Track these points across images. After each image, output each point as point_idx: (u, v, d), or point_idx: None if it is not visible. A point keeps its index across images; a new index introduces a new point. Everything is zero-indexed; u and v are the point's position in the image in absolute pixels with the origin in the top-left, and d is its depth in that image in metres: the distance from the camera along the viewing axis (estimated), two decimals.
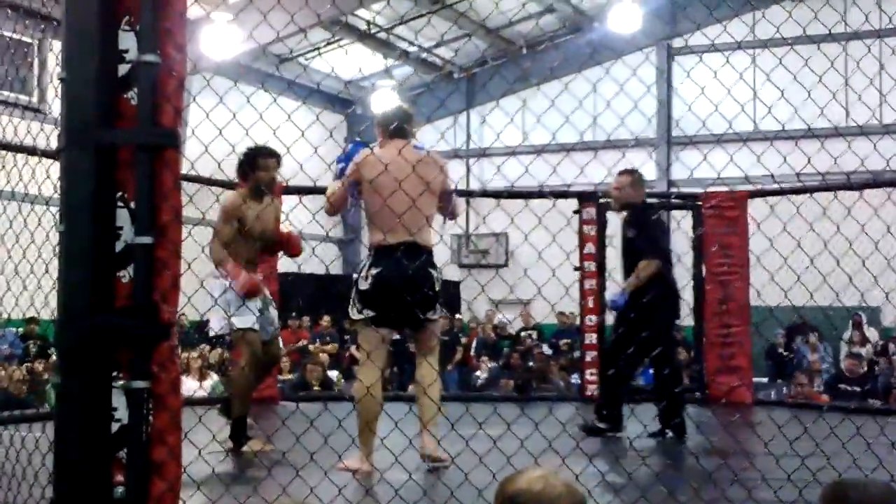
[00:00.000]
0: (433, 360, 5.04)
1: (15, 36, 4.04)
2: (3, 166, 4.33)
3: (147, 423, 2.62)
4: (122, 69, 2.65)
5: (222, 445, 5.06)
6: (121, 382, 2.61)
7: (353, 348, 5.08)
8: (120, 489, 2.59)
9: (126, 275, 2.62)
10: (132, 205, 2.62)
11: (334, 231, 17.78)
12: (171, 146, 2.68)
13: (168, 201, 2.66)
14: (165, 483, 2.64)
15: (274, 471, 3.44)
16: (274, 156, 5.59)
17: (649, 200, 7.51)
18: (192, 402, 8.05)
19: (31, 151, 4.15)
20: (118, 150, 2.64)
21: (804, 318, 13.02)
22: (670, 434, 5.84)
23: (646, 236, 6.22)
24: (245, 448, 5.34)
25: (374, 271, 4.78)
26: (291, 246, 5.88)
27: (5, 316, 5.08)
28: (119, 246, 2.62)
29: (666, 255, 6.38)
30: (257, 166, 5.54)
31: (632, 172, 6.58)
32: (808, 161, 4.52)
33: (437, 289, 4.95)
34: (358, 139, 5.33)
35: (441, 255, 5.56)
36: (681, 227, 9.36)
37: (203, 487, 3.01)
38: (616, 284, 6.51)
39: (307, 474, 3.19)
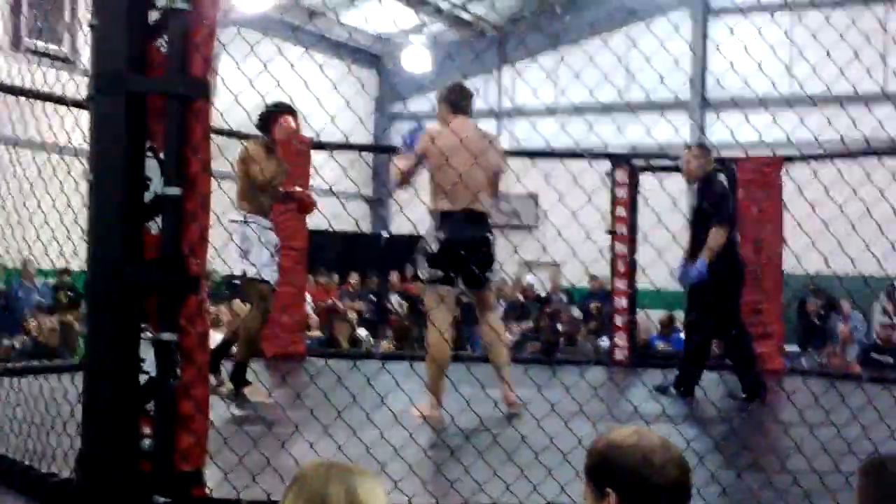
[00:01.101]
0: (495, 316, 5.55)
1: None
2: (34, 116, 4.30)
3: (175, 376, 2.60)
4: (153, 16, 2.61)
5: (223, 391, 5.24)
6: (149, 335, 2.59)
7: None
8: (147, 441, 2.59)
9: (154, 226, 2.59)
10: (161, 155, 2.59)
11: (364, 189, 17.68)
12: (201, 96, 2.64)
13: (197, 153, 2.63)
14: (192, 436, 2.63)
15: (301, 428, 3.41)
16: (291, 113, 5.63)
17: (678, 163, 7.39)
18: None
19: (60, 100, 4.12)
20: (148, 99, 2.60)
21: (823, 288, 12.86)
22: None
23: (714, 204, 6.34)
24: (246, 392, 5.43)
25: (440, 235, 5.15)
26: (303, 204, 6.05)
27: (37, 266, 5.09)
28: (148, 197, 2.59)
29: (733, 222, 6.52)
30: (274, 123, 5.61)
31: (700, 146, 6.80)
32: (850, 125, 4.41)
33: (494, 251, 5.37)
34: (417, 125, 5.69)
35: None
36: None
37: (229, 442, 3.00)
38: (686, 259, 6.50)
39: (334, 432, 3.16)
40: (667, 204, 4.30)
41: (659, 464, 1.77)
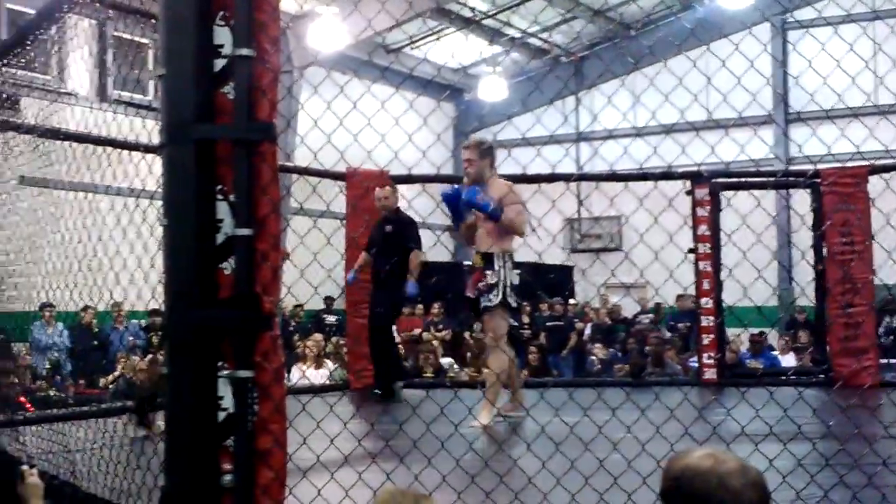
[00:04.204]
0: None
1: (129, 37, 4.16)
2: (119, 162, 4.46)
3: (252, 412, 2.66)
4: (219, 64, 2.68)
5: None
6: (226, 372, 2.66)
7: (488, 331, 6.22)
8: (228, 477, 2.64)
9: (228, 267, 2.66)
10: (231, 197, 2.66)
11: (437, 218, 17.78)
12: (267, 139, 2.71)
13: (266, 194, 2.69)
14: (272, 471, 2.68)
15: (378, 458, 3.46)
16: None
17: (762, 179, 7.28)
18: (310, 390, 8.21)
19: (135, 147, 4.27)
20: (216, 144, 2.68)
21: None
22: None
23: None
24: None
25: (517, 271, 6.25)
26: None
27: (130, 308, 5.25)
28: (220, 238, 2.66)
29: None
30: None
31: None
32: None
33: None
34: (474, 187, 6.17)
35: (545, 239, 5.82)
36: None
37: (309, 475, 3.05)
38: None
39: (410, 461, 3.20)
40: (756, 220, 4.27)
41: (736, 489, 1.72)
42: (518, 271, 6.28)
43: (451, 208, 6.14)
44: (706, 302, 9.01)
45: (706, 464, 1.76)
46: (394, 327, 8.59)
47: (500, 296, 6.11)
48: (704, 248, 8.89)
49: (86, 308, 10.12)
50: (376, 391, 7.93)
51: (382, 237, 7.86)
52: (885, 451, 3.88)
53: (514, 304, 6.26)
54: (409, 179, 8.22)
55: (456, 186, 6.30)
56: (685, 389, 6.70)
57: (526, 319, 15.11)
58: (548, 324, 14.79)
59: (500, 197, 6.04)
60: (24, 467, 2.91)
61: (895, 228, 4.51)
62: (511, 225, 6.11)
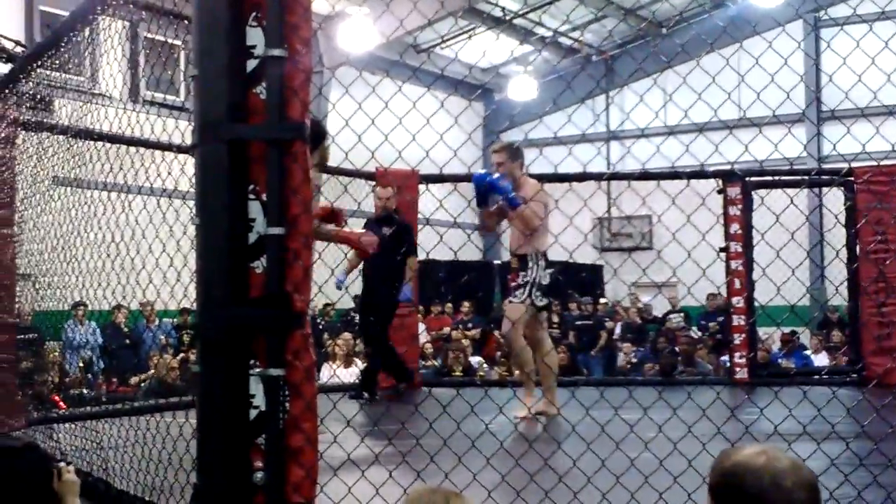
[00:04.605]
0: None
1: (162, 39, 4.20)
2: (152, 162, 4.50)
3: (284, 410, 2.67)
4: (251, 64, 2.70)
5: None
6: (257, 370, 2.67)
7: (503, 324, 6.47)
8: (259, 474, 2.66)
9: (259, 265, 2.68)
10: (263, 197, 2.68)
11: (467, 217, 17.81)
12: (299, 139, 2.72)
13: (298, 193, 2.70)
14: (302, 469, 2.69)
15: (409, 457, 3.47)
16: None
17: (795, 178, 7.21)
18: (339, 388, 8.24)
19: (167, 147, 4.30)
20: (249, 144, 2.70)
21: None
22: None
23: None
24: None
25: (550, 270, 6.40)
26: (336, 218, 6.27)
27: (163, 307, 5.29)
28: (252, 237, 2.68)
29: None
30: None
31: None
32: None
33: None
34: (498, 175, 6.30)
35: (575, 238, 5.79)
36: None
37: (339, 473, 3.07)
38: None
39: (440, 459, 3.21)
40: (789, 219, 4.24)
41: (788, 488, 1.68)
42: (551, 270, 6.42)
43: (479, 191, 6.22)
44: (738, 301, 8.96)
45: (759, 461, 1.72)
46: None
47: (526, 294, 6.29)
48: (736, 247, 8.84)
49: (118, 307, 10.22)
50: (352, 393, 7.85)
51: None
52: None
53: (539, 304, 6.40)
54: (439, 179, 8.22)
55: (487, 171, 6.40)
56: (717, 388, 6.67)
57: (556, 319, 15.11)
58: (577, 323, 14.76)
59: (531, 196, 6.16)
60: (62, 464, 2.94)
61: None
62: (523, 219, 6.24)
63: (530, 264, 6.34)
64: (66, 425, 5.67)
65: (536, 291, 6.33)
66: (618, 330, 14.69)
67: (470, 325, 14.28)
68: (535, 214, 6.20)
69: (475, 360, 12.20)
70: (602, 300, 15.97)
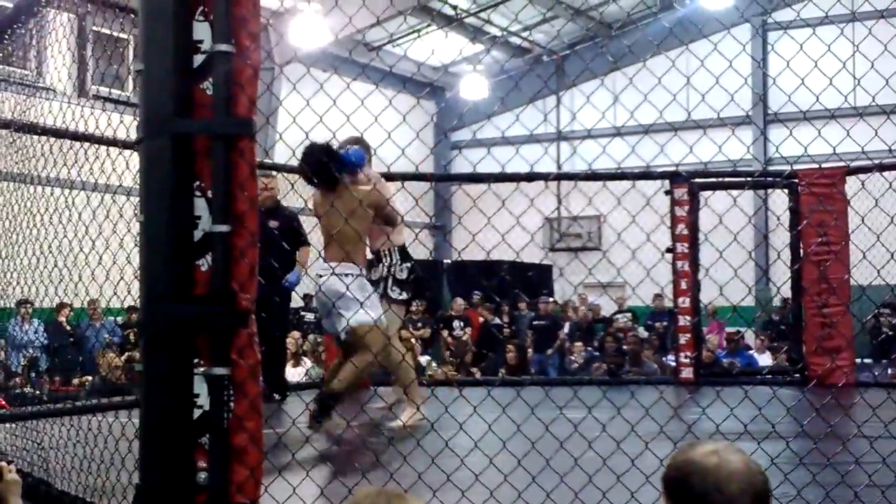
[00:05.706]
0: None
1: (109, 32, 4.14)
2: (96, 158, 4.44)
3: (228, 409, 2.65)
4: (198, 59, 2.67)
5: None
6: (202, 369, 2.65)
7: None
8: (203, 475, 2.63)
9: (205, 263, 2.65)
10: (209, 194, 2.65)
11: (422, 217, 17.83)
12: (246, 135, 2.70)
13: (244, 190, 2.68)
14: (247, 469, 2.67)
15: (353, 456, 3.45)
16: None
17: (740, 179, 7.29)
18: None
19: (112, 142, 4.24)
20: (194, 140, 2.67)
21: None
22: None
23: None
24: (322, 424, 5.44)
25: (407, 264, 6.43)
26: None
27: (105, 306, 5.21)
28: (197, 235, 2.65)
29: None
30: None
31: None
32: None
33: None
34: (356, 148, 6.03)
35: (523, 238, 5.72)
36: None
37: (284, 473, 3.05)
38: None
39: (386, 459, 3.20)
40: (734, 220, 4.28)
41: (733, 492, 1.66)
42: (408, 264, 6.45)
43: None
44: (683, 301, 9.05)
45: (710, 461, 1.70)
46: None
47: (381, 289, 6.28)
48: (682, 247, 8.93)
49: (62, 305, 10.07)
50: (275, 393, 7.58)
51: (268, 233, 6.97)
52: (858, 449, 3.91)
53: (398, 297, 6.43)
54: (388, 177, 8.18)
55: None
56: (661, 388, 6.73)
57: (506, 318, 15.15)
58: (534, 322, 14.82)
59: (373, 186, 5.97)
60: (3, 464, 2.88)
61: (871, 229, 4.54)
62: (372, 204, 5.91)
63: (384, 260, 6.39)
64: (7, 425, 5.57)
65: (393, 286, 6.37)
66: (566, 329, 14.76)
67: (420, 324, 14.27)
68: (381, 198, 5.96)
69: (424, 359, 12.19)
70: (551, 299, 16.04)
